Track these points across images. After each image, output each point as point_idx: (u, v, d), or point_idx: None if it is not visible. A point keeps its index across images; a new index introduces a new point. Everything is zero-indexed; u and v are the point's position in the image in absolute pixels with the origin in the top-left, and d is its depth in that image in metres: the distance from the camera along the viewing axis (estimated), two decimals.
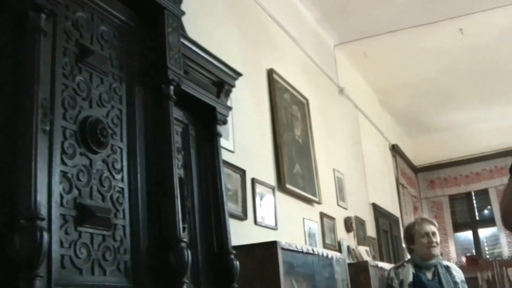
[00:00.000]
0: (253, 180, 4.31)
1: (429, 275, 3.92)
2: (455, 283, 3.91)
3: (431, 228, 4.01)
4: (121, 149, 2.21)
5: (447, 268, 4.02)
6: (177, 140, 2.61)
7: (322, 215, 5.65)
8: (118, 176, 2.15)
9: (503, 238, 10.57)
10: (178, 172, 2.49)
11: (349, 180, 6.85)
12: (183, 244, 2.22)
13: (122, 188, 2.16)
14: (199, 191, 2.69)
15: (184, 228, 2.47)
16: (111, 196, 2.09)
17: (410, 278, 3.85)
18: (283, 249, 3.64)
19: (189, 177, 2.65)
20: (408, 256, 4.16)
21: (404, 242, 4.24)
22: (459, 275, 4.00)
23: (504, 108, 9.45)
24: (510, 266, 9.69)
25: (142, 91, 2.39)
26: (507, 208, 1.16)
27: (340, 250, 5.80)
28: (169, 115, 2.39)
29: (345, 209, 6.48)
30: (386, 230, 8.21)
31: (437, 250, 3.96)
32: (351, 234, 6.50)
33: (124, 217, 2.13)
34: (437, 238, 3.99)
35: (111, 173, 2.12)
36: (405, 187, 9.78)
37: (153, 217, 2.25)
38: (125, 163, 2.21)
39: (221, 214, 2.70)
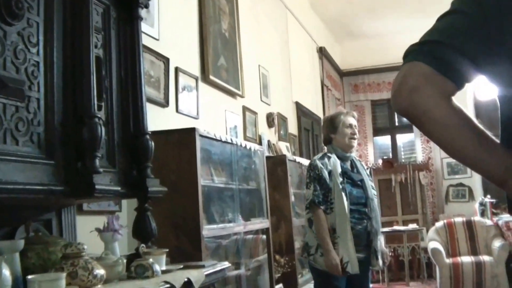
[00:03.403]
0: (177, 69, 4.34)
1: (348, 166, 4.10)
2: (369, 175, 4.18)
3: (354, 121, 4.15)
4: (38, 24, 2.19)
5: (359, 161, 4.26)
6: (97, 20, 2.58)
7: (245, 108, 5.75)
8: (34, 50, 2.15)
9: (418, 144, 11.04)
10: (96, 51, 2.50)
11: (274, 77, 6.94)
12: (97, 120, 2.27)
13: (38, 62, 2.15)
14: (118, 73, 2.70)
15: (100, 107, 2.51)
16: (26, 69, 2.09)
17: (340, 169, 3.94)
18: (201, 136, 3.71)
19: (108, 58, 2.64)
20: (325, 148, 4.33)
21: (325, 131, 4.22)
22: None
23: (428, 19, 9.56)
24: (422, 170, 10.31)
25: None
26: (395, 94, 1.28)
27: (260, 144, 5.96)
28: None
29: (268, 105, 6.60)
30: (308, 129, 8.44)
31: (355, 143, 4.14)
32: (273, 129, 6.66)
33: (38, 90, 2.14)
34: (356, 132, 4.17)
35: (26, 46, 2.11)
36: (329, 89, 9.97)
37: (68, 93, 2.27)
38: (41, 37, 2.19)
39: (138, 95, 2.74)
